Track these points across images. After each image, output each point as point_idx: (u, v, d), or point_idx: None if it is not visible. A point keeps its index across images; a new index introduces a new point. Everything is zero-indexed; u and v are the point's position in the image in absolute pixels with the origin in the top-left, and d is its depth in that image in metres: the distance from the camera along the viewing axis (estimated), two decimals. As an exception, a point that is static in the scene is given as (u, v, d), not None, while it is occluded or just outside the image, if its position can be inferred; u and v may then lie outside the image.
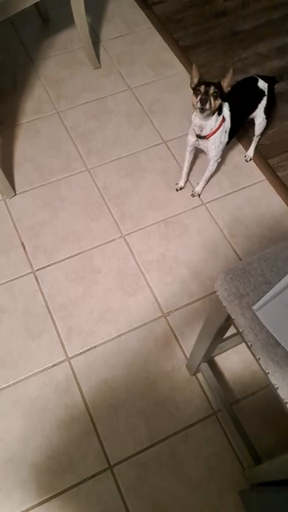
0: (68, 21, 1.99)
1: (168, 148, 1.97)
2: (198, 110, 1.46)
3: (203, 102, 1.41)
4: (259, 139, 1.87)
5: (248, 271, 0.80)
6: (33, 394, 1.44)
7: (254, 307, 0.75)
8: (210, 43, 2.31)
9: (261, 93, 1.66)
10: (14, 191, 1.84)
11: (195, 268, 1.68)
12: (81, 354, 1.51)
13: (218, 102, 1.45)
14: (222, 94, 1.44)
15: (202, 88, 1.41)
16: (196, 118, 1.53)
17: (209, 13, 2.43)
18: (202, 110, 1.44)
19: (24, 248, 1.71)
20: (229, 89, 1.44)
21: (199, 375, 1.47)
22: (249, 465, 1.28)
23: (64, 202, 1.82)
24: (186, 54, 2.26)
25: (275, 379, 0.75)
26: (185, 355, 1.51)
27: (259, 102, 1.67)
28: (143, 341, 1.54)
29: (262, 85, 1.67)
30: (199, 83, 1.42)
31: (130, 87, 2.15)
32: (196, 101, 1.43)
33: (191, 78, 1.45)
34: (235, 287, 0.79)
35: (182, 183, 1.85)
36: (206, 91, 1.41)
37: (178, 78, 2.20)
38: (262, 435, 1.37)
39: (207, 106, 1.42)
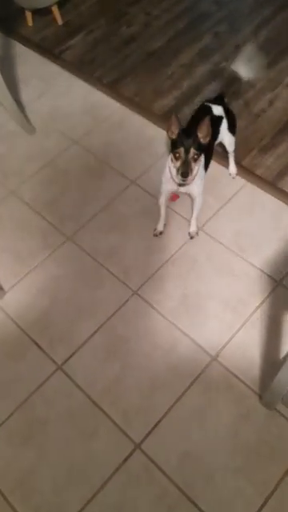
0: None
1: (139, 186, 1.88)
2: (179, 176, 1.38)
3: (185, 173, 1.34)
4: (234, 154, 1.81)
5: None
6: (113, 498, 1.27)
7: None
8: (132, 71, 2.27)
9: (219, 118, 1.61)
10: (3, 289, 1.67)
11: (221, 296, 1.58)
12: (148, 435, 1.36)
13: (200, 160, 1.38)
14: (201, 148, 1.35)
15: (182, 152, 1.32)
16: (175, 171, 1.42)
17: (117, 43, 2.39)
18: (184, 177, 1.36)
19: (38, 345, 1.55)
20: (207, 140, 1.36)
21: (279, 406, 1.36)
22: None
23: (57, 297, 1.66)
24: (114, 88, 2.20)
25: None
26: (252, 390, 1.40)
27: (220, 126, 1.61)
28: (205, 393, 1.41)
29: (217, 110, 1.61)
30: (178, 140, 1.33)
31: (73, 155, 2.02)
32: (176, 166, 1.36)
33: (169, 128, 1.35)
34: None
35: (160, 227, 1.72)
36: (186, 156, 1.32)
37: (117, 115, 2.12)
38: None
39: (189, 174, 1.35)
